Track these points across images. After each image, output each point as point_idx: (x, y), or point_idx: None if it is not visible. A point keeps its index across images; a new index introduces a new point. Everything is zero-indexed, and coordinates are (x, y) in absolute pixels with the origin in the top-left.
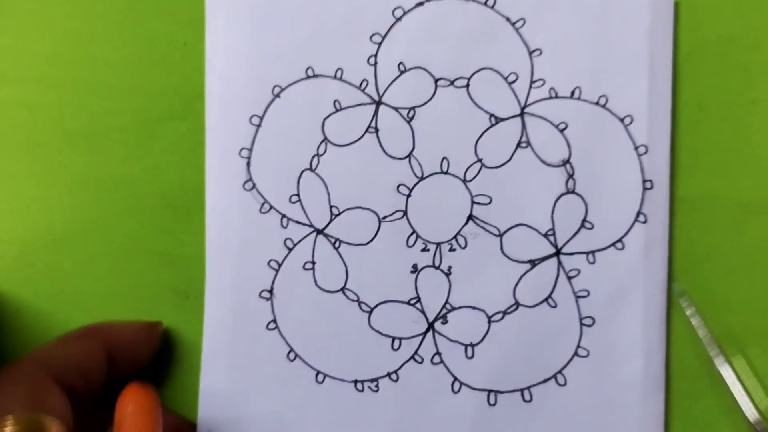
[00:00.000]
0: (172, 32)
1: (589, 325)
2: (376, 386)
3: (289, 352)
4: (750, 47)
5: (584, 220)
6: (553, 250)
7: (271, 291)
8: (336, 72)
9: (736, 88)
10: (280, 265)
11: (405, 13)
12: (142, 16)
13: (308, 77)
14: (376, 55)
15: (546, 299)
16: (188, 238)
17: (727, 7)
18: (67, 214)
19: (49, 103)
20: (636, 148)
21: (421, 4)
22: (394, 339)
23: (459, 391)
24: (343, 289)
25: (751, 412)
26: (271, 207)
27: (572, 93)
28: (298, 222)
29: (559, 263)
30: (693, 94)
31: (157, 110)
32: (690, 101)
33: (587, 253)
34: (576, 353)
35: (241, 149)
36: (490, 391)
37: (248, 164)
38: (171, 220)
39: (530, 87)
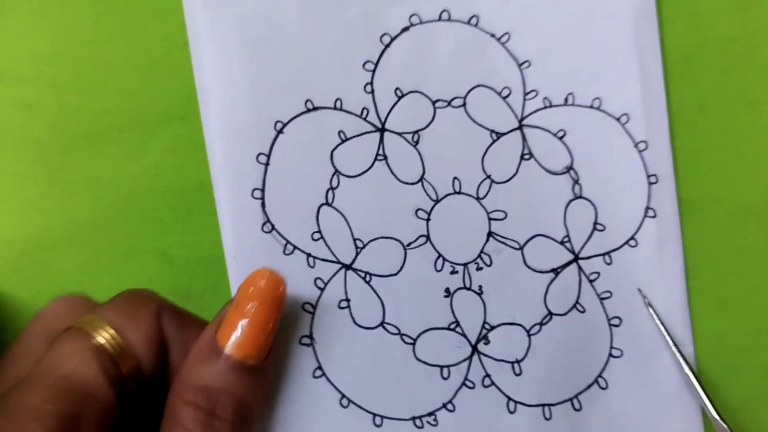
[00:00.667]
0: (172, 32)
1: (617, 325)
2: (435, 420)
3: (342, 399)
4: (750, 48)
5: (596, 223)
6: (571, 256)
7: (311, 336)
8: (335, 102)
9: (736, 89)
10: (315, 308)
11: (392, 39)
12: (142, 16)
13: (309, 110)
14: (371, 83)
15: (575, 305)
16: (188, 238)
17: (727, 7)
18: (66, 214)
19: (49, 103)
20: (636, 145)
21: (406, 29)
22: (442, 368)
23: (515, 411)
24: (382, 324)
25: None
26: (295, 247)
27: (566, 99)
28: (324, 260)
29: (579, 268)
30: (693, 95)
31: (157, 110)
32: (690, 102)
33: (603, 254)
34: (611, 354)
35: (254, 190)
36: (543, 405)
37: (263, 205)
38: (171, 220)
39: (524, 99)
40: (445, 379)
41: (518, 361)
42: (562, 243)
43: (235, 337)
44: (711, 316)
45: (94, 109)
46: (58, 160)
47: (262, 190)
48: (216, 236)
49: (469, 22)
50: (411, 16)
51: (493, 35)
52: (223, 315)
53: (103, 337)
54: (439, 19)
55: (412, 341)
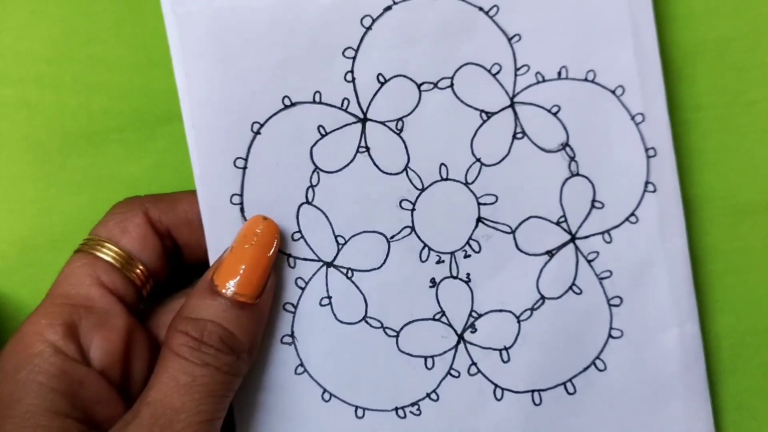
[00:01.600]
0: None
1: (617, 305)
2: (418, 410)
3: (323, 393)
4: (748, 48)
5: (594, 201)
6: (568, 237)
7: (292, 335)
8: (314, 96)
9: (734, 89)
10: (296, 307)
11: (374, 20)
12: (142, 16)
13: (286, 107)
14: (352, 71)
15: (570, 287)
16: None
17: (725, 7)
18: (67, 214)
19: (49, 103)
20: (632, 118)
21: (389, 8)
22: (426, 358)
23: (502, 398)
24: (364, 318)
25: None
26: None
27: (559, 73)
28: (305, 259)
29: (577, 248)
30: (691, 95)
31: (157, 110)
32: (688, 102)
33: (602, 233)
34: (610, 335)
35: (232, 195)
36: (533, 391)
37: (242, 210)
38: None
39: (515, 75)
40: (429, 369)
41: (506, 348)
42: (557, 223)
43: (228, 276)
44: (709, 316)
45: (93, 109)
46: (57, 160)
47: (241, 195)
48: None
49: None
50: None
51: (480, 8)
52: (220, 259)
53: (103, 252)
54: None
55: (395, 334)
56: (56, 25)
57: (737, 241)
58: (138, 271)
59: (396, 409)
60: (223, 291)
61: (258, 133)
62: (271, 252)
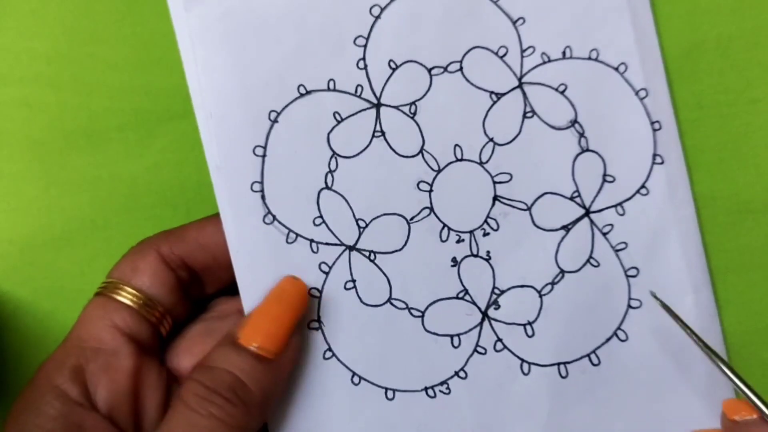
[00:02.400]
0: (172, 32)
1: (634, 276)
2: (447, 388)
3: (353, 376)
4: (749, 47)
5: (605, 175)
6: (582, 211)
7: (318, 320)
8: (329, 83)
9: (735, 88)
10: (321, 292)
11: (382, 9)
12: (142, 16)
13: (302, 95)
14: (364, 58)
15: (588, 260)
16: None
17: (726, 6)
18: (67, 214)
19: (49, 103)
20: (636, 93)
21: None
22: (452, 337)
23: (529, 372)
24: (389, 300)
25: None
26: (297, 235)
27: (563, 53)
28: (327, 243)
29: (591, 222)
30: (692, 93)
31: (157, 110)
32: (689, 100)
33: (615, 205)
34: (629, 306)
35: (253, 183)
36: (559, 364)
37: (263, 197)
38: (171, 220)
39: (522, 56)
40: (455, 347)
41: (530, 323)
42: (571, 198)
43: (251, 330)
44: None
45: (93, 108)
46: (57, 159)
47: (261, 182)
48: None
49: None
50: None
51: None
52: (247, 317)
53: (116, 293)
54: None
55: (420, 314)
56: (56, 25)
57: (739, 239)
58: (152, 308)
59: (426, 388)
60: (245, 344)
61: (275, 121)
62: (298, 311)
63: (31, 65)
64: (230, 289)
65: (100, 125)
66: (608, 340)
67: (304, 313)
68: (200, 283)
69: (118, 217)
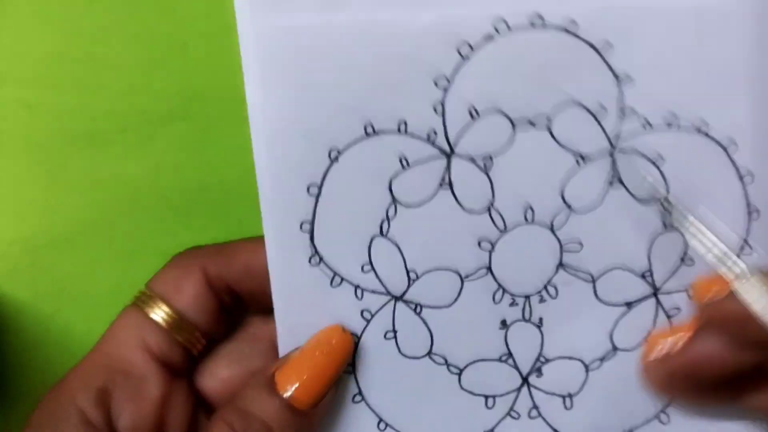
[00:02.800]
0: (172, 32)
1: None
2: None
3: (379, 423)
4: None
5: (684, 257)
6: (650, 291)
7: (353, 364)
8: (399, 125)
9: None
10: (359, 338)
11: (472, 49)
12: (142, 16)
13: (368, 135)
14: (443, 102)
15: (645, 340)
16: (189, 238)
17: None
18: (67, 214)
19: (49, 103)
20: (741, 177)
21: (490, 37)
22: (487, 397)
23: None
24: (429, 354)
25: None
26: (343, 279)
27: (668, 123)
28: (374, 291)
29: (658, 302)
30: None
31: (157, 110)
32: None
33: (688, 289)
34: None
35: (302, 223)
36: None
37: (312, 238)
38: (171, 220)
39: (620, 119)
40: (489, 408)
41: (571, 395)
42: (642, 276)
43: (291, 377)
44: None
45: (94, 109)
46: (58, 160)
47: (311, 223)
48: (216, 236)
49: (566, 30)
50: (496, 22)
51: (592, 45)
52: (286, 358)
53: (154, 311)
54: (531, 25)
55: (458, 371)
56: (56, 25)
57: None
58: (189, 332)
59: None
60: (281, 392)
61: (335, 160)
62: (341, 366)
63: (31, 66)
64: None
65: (101, 126)
66: (649, 421)
67: (344, 367)
68: (242, 306)
69: (120, 219)
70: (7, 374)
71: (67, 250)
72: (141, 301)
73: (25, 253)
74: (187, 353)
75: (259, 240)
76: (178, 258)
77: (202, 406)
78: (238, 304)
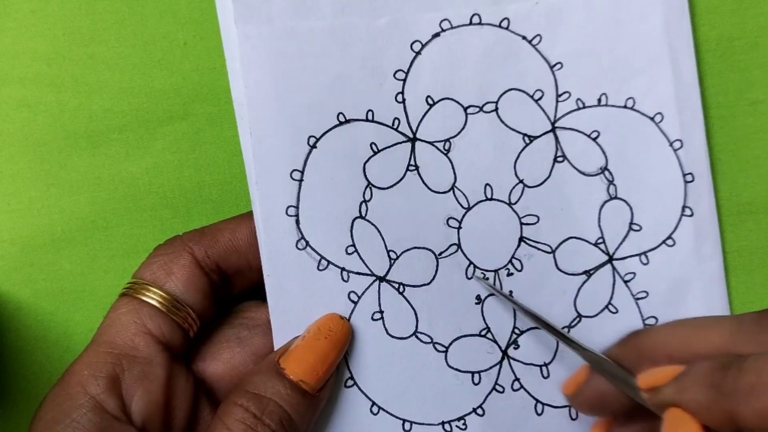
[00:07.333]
0: (172, 32)
1: (652, 325)
2: (464, 424)
3: (372, 406)
4: (750, 47)
5: (631, 223)
6: (605, 258)
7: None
8: (367, 114)
9: (737, 89)
10: (348, 321)
11: (423, 45)
12: (142, 16)
13: (341, 123)
14: (402, 92)
15: (606, 306)
16: None
17: (726, 7)
18: (67, 214)
19: (49, 103)
20: (671, 144)
21: (437, 35)
22: (473, 374)
23: (542, 412)
24: (415, 334)
25: None
26: (329, 262)
27: (599, 100)
28: (359, 273)
29: (614, 269)
30: None
31: (157, 110)
32: None
33: (640, 254)
34: None
35: (288, 207)
36: (569, 406)
37: (297, 222)
38: (171, 220)
39: (557, 101)
40: (476, 384)
41: (546, 364)
42: (596, 244)
43: (296, 362)
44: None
45: (94, 108)
46: (57, 159)
47: (297, 207)
48: None
49: (500, 25)
50: (441, 22)
51: (524, 37)
52: (289, 345)
53: (148, 296)
54: (470, 23)
55: (444, 349)
56: (56, 25)
57: (740, 241)
58: (184, 313)
59: (443, 423)
60: (291, 376)
61: (314, 146)
62: (342, 352)
63: (31, 65)
64: (257, 289)
65: (100, 126)
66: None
67: (344, 353)
68: (230, 284)
69: (119, 218)
70: (6, 372)
71: (67, 249)
72: (132, 290)
73: (25, 252)
74: (184, 335)
75: (238, 218)
76: (161, 247)
77: (202, 390)
78: (226, 283)
